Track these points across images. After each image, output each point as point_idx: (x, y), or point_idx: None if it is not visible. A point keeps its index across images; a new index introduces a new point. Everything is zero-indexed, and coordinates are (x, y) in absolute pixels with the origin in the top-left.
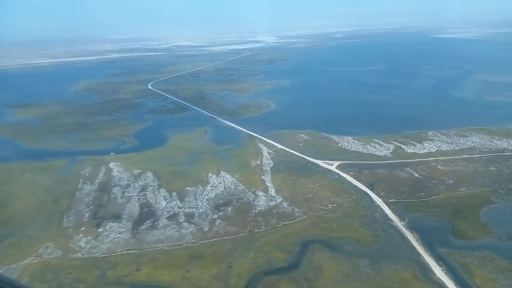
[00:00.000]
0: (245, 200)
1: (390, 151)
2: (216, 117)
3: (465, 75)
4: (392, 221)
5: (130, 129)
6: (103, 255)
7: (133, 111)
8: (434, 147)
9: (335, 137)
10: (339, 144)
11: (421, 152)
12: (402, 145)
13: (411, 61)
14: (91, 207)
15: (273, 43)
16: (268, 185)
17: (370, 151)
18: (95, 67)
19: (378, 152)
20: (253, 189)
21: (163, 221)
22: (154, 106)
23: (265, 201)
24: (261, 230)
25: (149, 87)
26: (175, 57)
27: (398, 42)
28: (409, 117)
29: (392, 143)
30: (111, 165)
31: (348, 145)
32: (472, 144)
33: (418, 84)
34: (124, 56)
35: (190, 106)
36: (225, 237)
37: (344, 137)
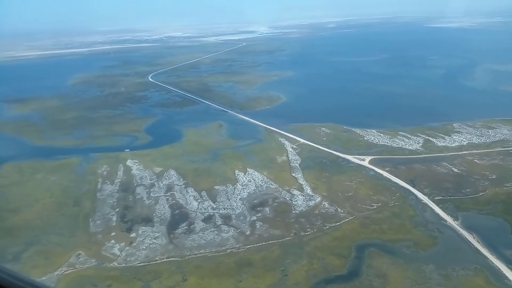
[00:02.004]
0: (282, 199)
1: (420, 144)
2: (227, 110)
3: (471, 64)
4: (445, 220)
5: (140, 124)
6: (142, 264)
7: (139, 104)
8: (464, 140)
9: (358, 130)
10: (365, 138)
11: (453, 145)
12: (430, 138)
13: (412, 50)
14: (117, 209)
15: (267, 33)
16: (301, 183)
17: (400, 145)
18: (87, 59)
19: (408, 145)
20: (287, 188)
21: (199, 224)
22: (159, 99)
23: (304, 201)
24: (308, 233)
25: (150, 79)
26: (169, 48)
27: (393, 32)
28: (428, 109)
29: (420, 136)
30: (129, 162)
31: (374, 139)
32: (502, 136)
33: (427, 74)
34: (116, 47)
35: (197, 99)
36: (270, 241)
37: (368, 130)
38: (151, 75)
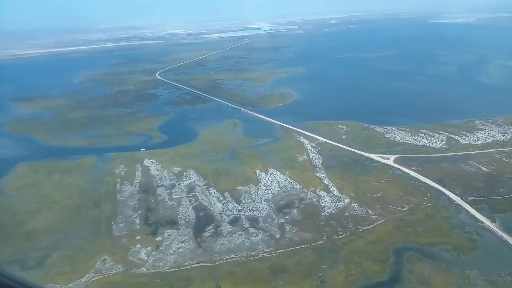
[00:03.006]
0: (308, 201)
1: (443, 142)
2: (240, 108)
3: (483, 60)
4: (482, 222)
5: (153, 122)
6: (172, 270)
7: (149, 102)
8: (488, 137)
9: (378, 128)
10: (386, 136)
11: (477, 143)
12: (453, 136)
13: (420, 46)
14: (140, 211)
15: (270, 30)
16: (326, 183)
17: (423, 143)
18: (92, 57)
19: (432, 143)
20: (312, 188)
21: (226, 227)
22: (170, 97)
23: (332, 202)
24: (341, 236)
25: (157, 77)
26: (173, 46)
27: (398, 28)
28: (447, 105)
29: (442, 133)
30: (146, 162)
31: (396, 137)
32: None
33: (440, 71)
34: (119, 45)
35: (208, 96)
36: (302, 246)
37: (388, 127)
38: (158, 72)
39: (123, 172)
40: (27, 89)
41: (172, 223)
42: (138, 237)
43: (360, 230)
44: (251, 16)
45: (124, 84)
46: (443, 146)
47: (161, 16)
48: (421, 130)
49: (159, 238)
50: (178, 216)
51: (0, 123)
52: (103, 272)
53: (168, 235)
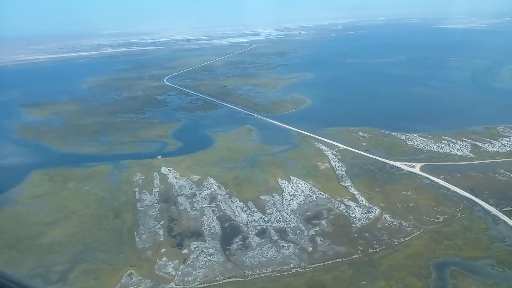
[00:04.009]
0: (337, 211)
1: (468, 149)
2: (252, 114)
3: (495, 66)
4: None
5: (166, 129)
6: (202, 285)
7: (160, 108)
8: None
9: (398, 135)
10: (408, 143)
11: (503, 150)
12: (477, 143)
13: (429, 51)
14: (162, 222)
15: (274, 35)
16: (353, 192)
17: (447, 150)
18: (98, 62)
19: (456, 151)
20: (339, 198)
21: (254, 239)
22: (180, 103)
23: (362, 213)
24: (377, 250)
25: (166, 82)
26: (178, 51)
27: (403, 33)
28: (466, 111)
29: (465, 140)
30: (163, 170)
31: (418, 144)
32: None
33: (453, 76)
34: (124, 50)
35: (219, 102)
36: (337, 260)
37: (409, 134)
38: (166, 78)
39: (140, 180)
40: (35, 94)
41: (197, 235)
42: (163, 250)
43: (396, 243)
44: (253, 21)
45: (133, 90)
46: (469, 154)
47: (163, 21)
48: (443, 137)
49: (185, 251)
50: (203, 227)
51: (10, 129)
52: (130, 287)
53: (195, 247)
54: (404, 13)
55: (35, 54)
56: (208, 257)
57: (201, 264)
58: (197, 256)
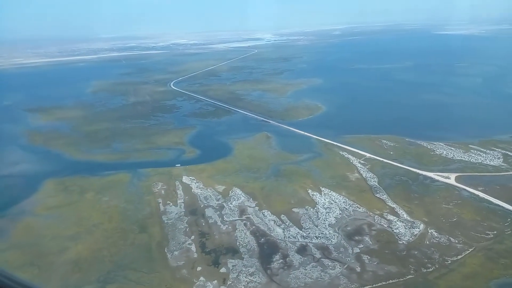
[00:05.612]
0: (379, 226)
1: (501, 160)
2: (268, 120)
3: (505, 72)
4: None
5: (181, 136)
6: None
7: (171, 114)
8: None
9: (424, 143)
10: (436, 152)
11: None
12: (508, 152)
13: (434, 57)
14: (193, 236)
15: (275, 40)
16: (392, 205)
17: (479, 160)
18: (99, 66)
19: (489, 161)
20: (378, 212)
21: (295, 257)
22: (191, 108)
23: (406, 228)
24: (430, 269)
25: (172, 87)
26: (180, 56)
27: (404, 39)
28: (488, 119)
29: (495, 149)
30: (185, 179)
31: (447, 153)
32: None
33: (465, 83)
34: (124, 55)
35: (231, 108)
36: (391, 281)
37: (435, 143)
38: (172, 82)
39: (162, 191)
40: (39, 99)
41: (233, 251)
42: (199, 268)
43: (449, 262)
44: (251, 26)
45: (139, 95)
46: (502, 164)
47: (161, 26)
48: (470, 146)
49: (223, 270)
50: (238, 243)
51: (18, 135)
52: None
53: (233, 265)
54: (401, 19)
55: (34, 57)
56: (249, 277)
57: (243, 286)
58: (237, 276)
